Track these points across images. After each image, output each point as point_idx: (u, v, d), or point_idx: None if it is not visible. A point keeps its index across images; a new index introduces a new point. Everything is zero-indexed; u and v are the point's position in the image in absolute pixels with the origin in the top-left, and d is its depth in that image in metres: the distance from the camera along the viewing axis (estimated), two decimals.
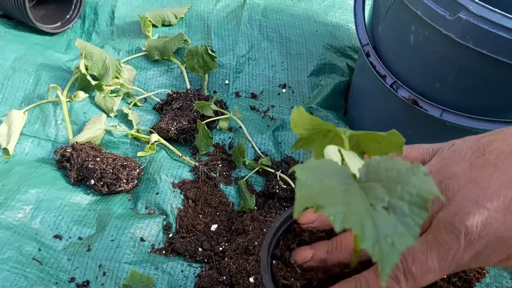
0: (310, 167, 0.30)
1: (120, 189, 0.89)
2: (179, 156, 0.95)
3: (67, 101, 1.00)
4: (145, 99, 1.09)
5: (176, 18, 1.25)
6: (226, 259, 0.80)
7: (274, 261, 0.43)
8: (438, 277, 0.35)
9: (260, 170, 0.94)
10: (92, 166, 0.87)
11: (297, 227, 0.45)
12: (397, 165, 0.29)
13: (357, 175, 0.31)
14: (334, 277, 0.41)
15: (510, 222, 0.34)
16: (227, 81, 1.14)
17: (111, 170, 0.88)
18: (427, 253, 0.35)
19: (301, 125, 0.35)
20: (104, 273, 0.78)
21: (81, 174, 0.89)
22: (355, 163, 0.32)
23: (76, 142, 0.93)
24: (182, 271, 0.80)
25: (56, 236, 0.82)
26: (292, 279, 0.40)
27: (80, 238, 0.83)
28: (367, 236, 0.26)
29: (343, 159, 0.33)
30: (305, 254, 0.41)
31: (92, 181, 0.87)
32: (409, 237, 0.26)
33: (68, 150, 0.91)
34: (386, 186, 0.28)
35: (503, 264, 0.36)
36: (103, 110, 1.02)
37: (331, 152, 0.33)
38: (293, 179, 0.93)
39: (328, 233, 0.44)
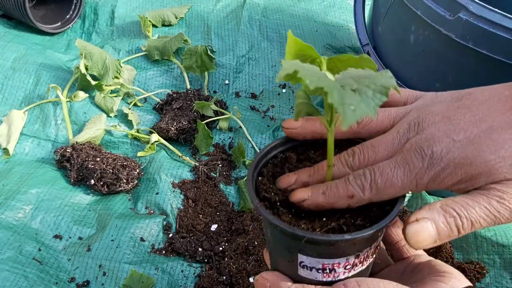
0: (295, 62, 0.34)
1: (120, 189, 0.89)
2: (179, 156, 0.95)
3: (67, 101, 1.00)
4: (145, 99, 1.09)
5: (176, 18, 1.25)
6: (226, 259, 0.80)
7: (259, 178, 0.46)
8: (398, 193, 0.41)
9: None
10: (92, 166, 0.87)
11: (287, 155, 0.48)
12: (368, 71, 0.34)
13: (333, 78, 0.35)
14: None
15: (469, 152, 0.39)
16: (227, 81, 1.14)
17: (111, 170, 0.88)
18: (394, 170, 0.40)
19: (292, 52, 0.38)
20: (104, 273, 0.78)
21: (81, 174, 0.89)
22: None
23: (76, 142, 0.93)
24: (182, 271, 0.80)
25: (56, 236, 0.82)
26: (272, 194, 0.44)
27: (80, 238, 0.83)
28: (334, 96, 0.30)
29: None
30: (288, 179, 0.45)
31: (92, 181, 0.87)
32: (369, 110, 0.30)
33: (68, 150, 0.91)
34: (356, 79, 0.33)
35: (456, 187, 0.41)
36: (103, 110, 1.02)
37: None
38: None
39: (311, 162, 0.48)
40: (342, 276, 0.41)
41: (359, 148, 0.44)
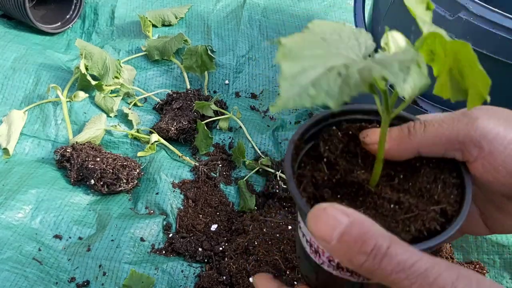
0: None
1: (120, 189, 0.89)
2: (179, 156, 0.95)
3: (67, 101, 1.00)
4: (145, 99, 1.09)
5: (176, 18, 1.25)
6: (226, 259, 0.80)
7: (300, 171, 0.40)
8: None
9: (260, 170, 0.94)
10: (92, 166, 0.87)
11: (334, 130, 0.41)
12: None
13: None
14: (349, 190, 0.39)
15: None
16: (227, 81, 1.14)
17: (111, 170, 0.88)
18: None
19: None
20: (104, 273, 0.78)
21: (81, 174, 0.89)
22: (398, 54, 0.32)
23: (76, 142, 0.93)
24: (182, 271, 0.80)
25: (56, 236, 0.82)
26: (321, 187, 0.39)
27: (80, 238, 0.83)
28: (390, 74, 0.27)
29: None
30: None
31: (92, 181, 0.87)
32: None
33: (68, 150, 0.91)
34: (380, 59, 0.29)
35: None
36: (103, 110, 1.02)
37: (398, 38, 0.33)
38: None
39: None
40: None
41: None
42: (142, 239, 0.82)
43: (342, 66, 0.28)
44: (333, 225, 0.30)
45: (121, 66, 1.07)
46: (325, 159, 0.41)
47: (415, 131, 0.38)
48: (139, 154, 0.96)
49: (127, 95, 1.07)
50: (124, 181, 0.88)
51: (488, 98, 0.31)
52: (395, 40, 0.33)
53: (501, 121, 0.38)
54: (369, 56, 0.32)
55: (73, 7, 1.23)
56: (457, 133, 0.37)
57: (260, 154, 0.96)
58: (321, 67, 0.28)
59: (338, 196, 0.39)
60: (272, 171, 0.92)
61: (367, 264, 0.30)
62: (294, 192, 0.37)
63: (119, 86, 1.05)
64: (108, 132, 0.99)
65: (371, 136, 0.39)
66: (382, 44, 0.33)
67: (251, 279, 0.76)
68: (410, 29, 0.78)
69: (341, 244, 0.30)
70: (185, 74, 1.11)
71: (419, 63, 0.29)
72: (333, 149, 0.41)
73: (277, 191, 0.89)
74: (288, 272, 0.77)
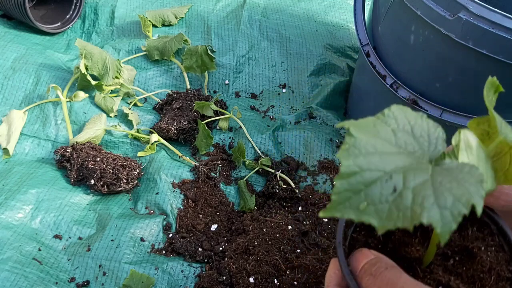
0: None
1: (120, 189, 0.89)
2: (179, 156, 0.95)
3: (67, 101, 1.00)
4: (145, 99, 1.09)
5: (176, 18, 1.25)
6: (226, 259, 0.80)
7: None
8: None
9: (260, 170, 0.94)
10: (92, 166, 0.87)
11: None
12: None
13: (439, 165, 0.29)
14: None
15: None
16: (227, 81, 1.14)
17: (111, 170, 0.88)
18: None
19: None
20: (104, 273, 0.78)
21: (81, 174, 0.89)
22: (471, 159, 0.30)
23: (76, 142, 0.93)
24: (182, 271, 0.80)
25: (56, 236, 0.82)
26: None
27: (80, 238, 0.83)
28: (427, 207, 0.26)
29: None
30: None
31: (92, 181, 0.87)
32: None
33: (68, 150, 0.91)
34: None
35: None
36: (103, 110, 1.02)
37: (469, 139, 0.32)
38: (293, 178, 0.93)
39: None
40: None
41: None
42: (142, 239, 0.82)
43: (401, 173, 0.28)
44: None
45: (121, 66, 1.07)
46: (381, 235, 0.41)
47: None
48: (139, 154, 0.96)
49: (127, 95, 1.07)
50: (124, 181, 0.88)
51: None
52: (467, 140, 0.31)
53: None
54: (436, 160, 0.30)
55: (73, 7, 1.23)
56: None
57: (260, 154, 0.96)
58: (379, 171, 0.28)
59: None
60: (272, 171, 0.92)
61: None
62: (342, 260, 0.36)
63: (119, 86, 1.05)
64: (108, 132, 0.99)
65: None
66: (453, 142, 0.31)
67: (251, 279, 0.76)
68: (410, 29, 0.78)
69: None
70: (185, 74, 1.11)
71: (482, 194, 0.27)
72: None
73: (277, 191, 0.89)
74: (288, 272, 0.77)
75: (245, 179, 0.92)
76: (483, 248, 0.39)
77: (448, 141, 0.36)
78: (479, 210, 0.26)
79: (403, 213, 0.26)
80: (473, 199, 0.26)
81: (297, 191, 0.90)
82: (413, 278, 0.35)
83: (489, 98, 0.33)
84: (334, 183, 0.27)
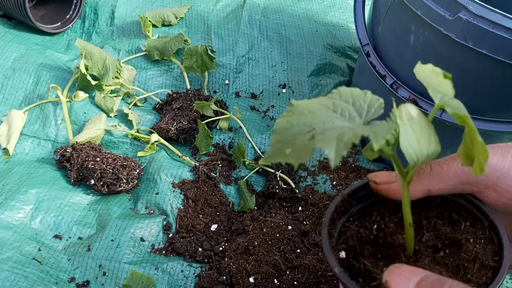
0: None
1: (120, 189, 0.89)
2: (179, 156, 0.95)
3: (67, 101, 1.00)
4: (145, 99, 1.09)
5: (176, 18, 1.25)
6: (226, 259, 0.80)
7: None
8: None
9: (260, 170, 0.94)
10: (92, 166, 0.87)
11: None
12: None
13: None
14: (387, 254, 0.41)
15: None
16: (227, 81, 1.14)
17: (111, 170, 0.88)
18: None
19: None
20: (104, 273, 0.78)
21: (81, 174, 0.89)
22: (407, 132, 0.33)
23: (76, 142, 0.93)
24: (182, 271, 0.80)
25: (56, 236, 0.82)
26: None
27: (80, 238, 0.83)
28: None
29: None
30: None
31: (92, 181, 0.87)
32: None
33: (68, 150, 0.91)
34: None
35: None
36: (103, 110, 1.02)
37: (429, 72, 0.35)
38: (293, 178, 0.93)
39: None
40: None
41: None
42: (142, 239, 0.82)
43: (324, 127, 0.31)
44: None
45: (121, 66, 1.07)
46: (375, 218, 0.43)
47: (423, 171, 0.40)
48: (139, 154, 0.96)
49: (127, 95, 1.07)
50: (124, 181, 0.88)
51: (486, 171, 0.33)
52: (407, 112, 0.34)
53: (495, 148, 0.40)
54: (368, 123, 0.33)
55: (73, 7, 1.23)
56: (462, 166, 0.39)
57: (260, 154, 0.96)
58: (306, 126, 0.32)
59: (379, 256, 0.41)
60: (272, 171, 0.92)
61: None
62: (328, 255, 0.38)
63: (119, 86, 1.05)
64: (108, 132, 0.99)
65: (380, 176, 0.41)
66: (391, 114, 0.34)
67: (251, 279, 0.76)
68: (410, 29, 0.78)
69: None
70: (185, 74, 1.11)
71: (393, 131, 0.32)
72: (385, 212, 0.43)
73: (277, 191, 0.89)
74: (288, 272, 0.77)
75: (245, 179, 0.92)
76: (472, 240, 0.40)
77: (444, 143, 0.37)
78: (378, 144, 0.29)
79: (307, 147, 0.29)
80: (372, 135, 0.29)
81: (297, 191, 0.90)
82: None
83: (432, 79, 0.36)
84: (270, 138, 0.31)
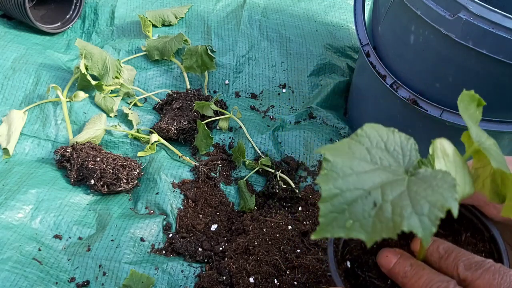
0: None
1: (120, 189, 0.89)
2: (179, 156, 0.95)
3: (67, 101, 1.00)
4: (145, 99, 1.09)
5: (176, 18, 1.25)
6: (226, 259, 0.80)
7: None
8: None
9: (260, 170, 0.94)
10: (92, 166, 0.87)
11: None
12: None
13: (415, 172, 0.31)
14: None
15: None
16: (227, 81, 1.14)
17: (111, 170, 0.88)
18: None
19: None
20: (104, 273, 0.78)
21: (81, 174, 0.89)
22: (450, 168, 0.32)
23: (76, 142, 0.93)
24: (182, 271, 0.80)
25: (56, 236, 0.82)
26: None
27: (80, 238, 0.83)
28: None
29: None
30: (390, 260, 0.40)
31: (92, 181, 0.87)
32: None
33: (68, 150, 0.91)
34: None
35: None
36: (103, 110, 1.02)
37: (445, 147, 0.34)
38: (293, 178, 0.93)
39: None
40: None
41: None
42: (142, 239, 0.82)
43: (379, 188, 0.30)
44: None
45: (121, 66, 1.07)
46: None
47: None
48: (139, 154, 0.96)
49: (127, 95, 1.07)
50: (124, 181, 0.88)
51: None
52: (443, 148, 0.33)
53: None
54: (411, 170, 0.32)
55: (73, 7, 1.23)
56: None
57: (260, 154, 0.96)
58: (358, 190, 0.30)
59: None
60: (272, 171, 0.92)
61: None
62: (333, 268, 0.39)
63: (119, 86, 1.05)
64: (108, 132, 0.99)
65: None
66: (430, 151, 0.33)
67: (251, 279, 0.76)
68: (410, 29, 0.78)
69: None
70: (185, 74, 1.11)
71: (455, 198, 0.29)
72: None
73: (277, 191, 0.89)
74: (288, 272, 0.77)
75: (245, 179, 0.92)
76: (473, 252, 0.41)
77: (455, 141, 0.37)
78: (455, 212, 0.28)
79: (386, 224, 0.28)
80: (447, 203, 0.28)
81: (297, 191, 0.90)
82: None
83: (470, 112, 0.35)
84: (319, 206, 0.29)
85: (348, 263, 0.41)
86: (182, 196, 0.90)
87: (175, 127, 0.96)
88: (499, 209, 0.40)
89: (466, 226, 0.42)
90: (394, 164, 0.32)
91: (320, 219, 0.29)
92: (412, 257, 0.39)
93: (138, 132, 0.99)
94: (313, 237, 0.29)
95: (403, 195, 0.29)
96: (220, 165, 0.95)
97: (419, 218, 0.27)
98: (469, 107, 0.35)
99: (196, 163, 0.94)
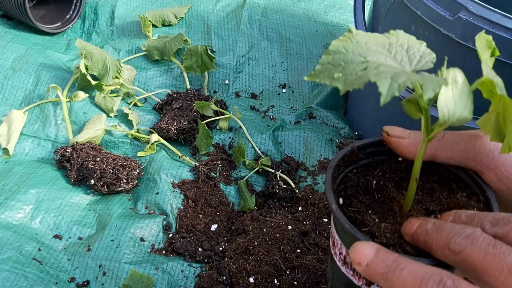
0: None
1: (120, 189, 0.89)
2: (179, 156, 0.95)
3: (67, 101, 1.00)
4: (145, 99, 1.09)
5: (176, 18, 1.25)
6: (226, 259, 0.80)
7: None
8: None
9: (260, 170, 0.94)
10: (92, 166, 0.87)
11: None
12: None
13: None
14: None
15: None
16: (227, 81, 1.14)
17: (111, 170, 0.88)
18: None
19: None
20: (104, 273, 0.78)
21: (81, 174, 0.89)
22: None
23: (76, 142, 0.93)
24: (182, 271, 0.80)
25: (56, 236, 0.82)
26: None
27: (80, 238, 0.83)
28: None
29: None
30: (412, 224, 0.39)
31: (92, 181, 0.87)
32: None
33: (68, 150, 0.91)
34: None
35: None
36: (103, 110, 1.02)
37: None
38: (293, 178, 0.93)
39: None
40: None
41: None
42: (142, 239, 0.82)
43: (376, 63, 0.32)
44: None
45: (121, 66, 1.07)
46: (376, 174, 0.45)
47: (436, 136, 0.41)
48: (139, 154, 0.96)
49: (127, 95, 1.07)
50: (124, 181, 0.88)
51: None
52: (454, 76, 0.36)
53: None
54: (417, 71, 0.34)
55: (73, 7, 1.23)
56: (473, 142, 0.41)
57: (260, 154, 0.96)
58: (360, 56, 0.33)
59: (374, 208, 0.42)
60: (272, 171, 0.92)
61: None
62: (338, 214, 0.39)
63: (119, 86, 1.05)
64: (108, 132, 0.99)
65: (395, 130, 0.43)
66: (439, 74, 0.36)
67: (251, 279, 0.76)
68: (410, 29, 0.78)
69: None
70: (185, 74, 1.11)
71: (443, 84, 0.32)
72: (387, 170, 0.45)
73: (277, 191, 0.89)
74: (288, 272, 0.77)
75: (245, 179, 0.92)
76: (464, 209, 0.42)
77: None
78: (428, 94, 0.30)
79: (361, 78, 0.30)
80: (425, 85, 0.30)
81: (297, 191, 0.90)
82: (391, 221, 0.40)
83: (484, 56, 0.38)
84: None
85: (341, 200, 0.42)
86: (182, 196, 0.90)
87: (175, 127, 0.96)
88: (499, 177, 0.40)
89: (463, 189, 0.43)
90: (406, 61, 0.34)
91: (317, 66, 0.32)
92: (435, 219, 0.39)
93: (138, 132, 0.99)
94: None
95: (393, 69, 0.31)
96: (220, 165, 0.95)
97: (391, 82, 0.29)
98: (485, 51, 0.38)
99: (196, 163, 0.94)
